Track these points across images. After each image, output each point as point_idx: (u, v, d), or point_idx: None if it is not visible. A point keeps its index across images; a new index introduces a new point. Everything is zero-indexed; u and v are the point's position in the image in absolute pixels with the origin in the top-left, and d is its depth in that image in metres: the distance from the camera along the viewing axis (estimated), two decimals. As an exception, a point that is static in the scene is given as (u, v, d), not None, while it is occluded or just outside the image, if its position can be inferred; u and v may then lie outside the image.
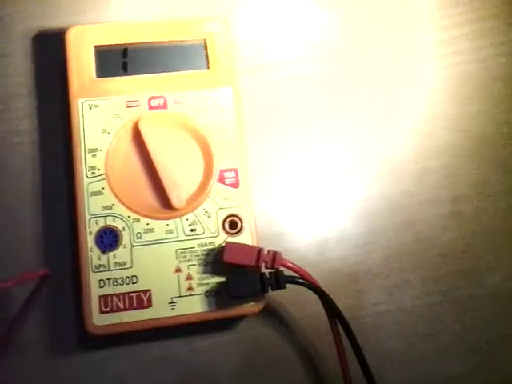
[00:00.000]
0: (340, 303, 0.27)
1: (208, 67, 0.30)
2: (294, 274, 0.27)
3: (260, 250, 0.26)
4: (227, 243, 0.27)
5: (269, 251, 0.27)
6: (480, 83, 0.34)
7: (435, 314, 0.31)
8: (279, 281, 0.26)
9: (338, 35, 0.33)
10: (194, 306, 0.27)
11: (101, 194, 0.28)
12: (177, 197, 0.28)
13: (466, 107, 0.33)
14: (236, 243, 0.27)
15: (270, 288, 0.26)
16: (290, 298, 0.29)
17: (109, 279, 0.27)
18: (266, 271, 0.27)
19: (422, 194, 0.32)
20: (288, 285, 0.26)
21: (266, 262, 0.26)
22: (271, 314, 0.29)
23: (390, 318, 0.30)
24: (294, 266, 0.27)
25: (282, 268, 0.27)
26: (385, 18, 0.34)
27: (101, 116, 0.28)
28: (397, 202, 0.32)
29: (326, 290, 0.27)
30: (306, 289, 0.27)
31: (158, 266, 0.27)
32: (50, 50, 0.31)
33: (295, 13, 0.33)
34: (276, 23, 0.33)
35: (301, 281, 0.27)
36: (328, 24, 0.34)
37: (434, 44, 0.34)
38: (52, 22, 0.31)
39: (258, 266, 0.26)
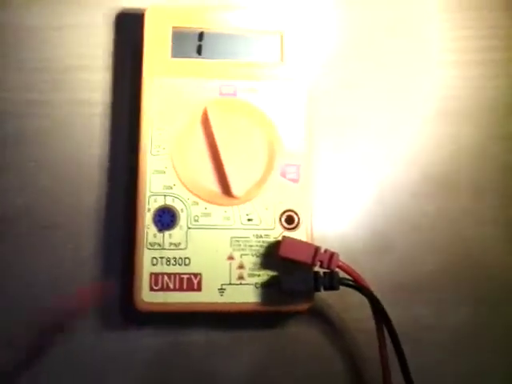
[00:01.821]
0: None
1: (282, 59, 0.30)
2: (347, 277, 0.26)
3: (317, 249, 0.26)
4: (284, 237, 0.27)
5: (326, 251, 0.26)
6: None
7: (481, 334, 0.30)
8: (333, 281, 0.26)
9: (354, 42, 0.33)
10: (244, 295, 0.27)
11: (163, 172, 0.28)
12: (237, 185, 0.28)
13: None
14: (294, 238, 0.27)
15: (322, 287, 0.26)
16: (338, 300, 0.28)
17: (162, 258, 0.27)
18: (321, 270, 0.26)
19: (479, 213, 0.31)
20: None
21: (321, 262, 0.26)
22: (318, 314, 0.29)
23: (434, 334, 0.30)
24: (348, 269, 0.26)
25: (336, 269, 0.26)
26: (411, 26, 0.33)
27: (172, 96, 0.29)
28: (452, 218, 0.31)
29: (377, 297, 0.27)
30: (352, 293, 0.26)
31: (212, 251, 0.27)
32: (128, 27, 0.31)
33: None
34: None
35: (354, 284, 0.26)
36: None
37: (455, 50, 0.33)
38: (131, 1, 0.32)
39: (313, 264, 0.26)
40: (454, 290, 0.30)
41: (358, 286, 0.26)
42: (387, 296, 0.28)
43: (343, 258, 0.27)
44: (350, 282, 0.26)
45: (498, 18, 0.34)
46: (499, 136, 0.32)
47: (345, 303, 0.29)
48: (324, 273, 0.26)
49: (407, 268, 0.30)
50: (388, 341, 0.26)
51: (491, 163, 0.32)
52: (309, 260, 0.26)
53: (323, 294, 0.27)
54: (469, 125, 0.32)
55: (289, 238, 0.27)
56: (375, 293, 0.27)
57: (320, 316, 0.29)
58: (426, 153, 0.32)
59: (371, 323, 0.27)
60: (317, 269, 0.27)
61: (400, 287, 0.30)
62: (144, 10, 0.29)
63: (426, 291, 0.30)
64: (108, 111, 0.30)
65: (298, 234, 0.28)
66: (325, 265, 0.26)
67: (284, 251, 0.26)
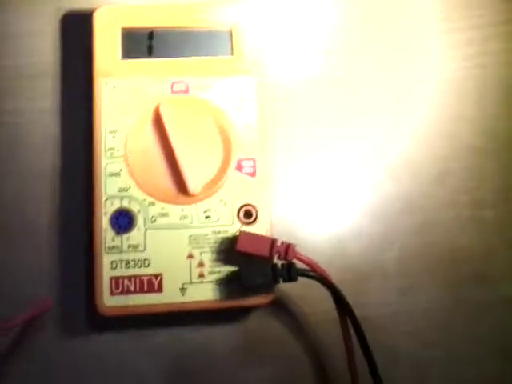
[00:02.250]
0: (351, 301, 0.27)
1: (232, 54, 0.29)
2: (306, 268, 0.26)
3: (274, 241, 0.26)
4: (241, 232, 0.27)
5: (282, 242, 0.26)
6: (508, 85, 0.33)
7: (448, 319, 0.30)
8: (291, 273, 0.26)
9: (352, 34, 0.33)
10: (205, 293, 0.27)
11: (118, 175, 0.28)
12: (193, 183, 0.28)
13: (492, 109, 0.32)
14: (250, 233, 0.27)
15: (281, 279, 0.26)
16: (300, 292, 0.28)
17: (121, 261, 0.27)
18: (279, 262, 0.26)
19: (442, 197, 0.31)
20: (300, 279, 0.26)
21: (279, 253, 0.26)
22: (280, 307, 0.29)
23: (401, 320, 0.30)
24: (306, 259, 0.26)
25: (294, 261, 0.26)
26: (402, 16, 0.33)
27: (123, 97, 0.28)
28: (415, 203, 0.31)
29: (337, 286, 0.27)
30: (317, 285, 0.26)
31: (171, 251, 0.27)
32: (76, 30, 0.30)
33: (313, 11, 0.33)
34: (298, 18, 0.33)
35: (313, 274, 0.26)
36: (343, 23, 0.33)
37: (461, 44, 0.33)
38: (78, 3, 0.31)
39: (270, 257, 0.26)
40: (421, 276, 0.30)
41: (317, 276, 0.26)
42: (350, 286, 0.28)
43: (303, 250, 0.27)
44: (309, 273, 0.26)
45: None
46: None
47: (308, 295, 0.28)
48: (282, 265, 0.26)
49: (371, 256, 0.30)
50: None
51: (452, 144, 0.32)
52: (266, 253, 0.26)
53: (285, 287, 0.27)
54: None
55: (245, 232, 0.27)
56: (341, 283, 0.27)
57: (282, 309, 0.29)
58: (381, 134, 0.32)
59: (335, 314, 0.27)
60: (276, 261, 0.26)
61: (365, 275, 0.30)
62: (92, 10, 0.29)
63: (393, 278, 0.30)
64: (61, 116, 0.30)
65: (257, 228, 0.28)
66: (282, 256, 0.26)
67: (241, 246, 0.26)
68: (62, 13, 0.31)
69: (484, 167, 0.32)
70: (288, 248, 0.26)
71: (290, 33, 0.32)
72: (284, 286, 0.27)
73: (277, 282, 0.26)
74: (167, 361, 0.28)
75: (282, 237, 0.27)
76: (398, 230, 0.31)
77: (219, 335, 0.28)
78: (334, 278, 0.27)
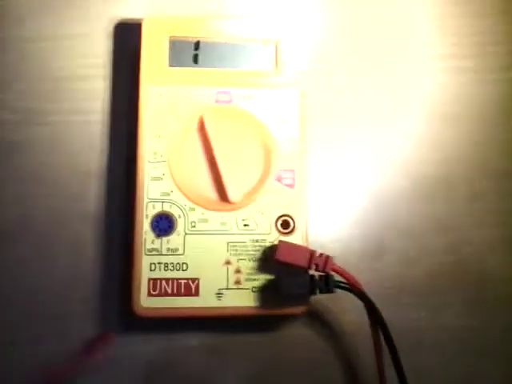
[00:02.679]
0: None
1: (276, 67, 0.30)
2: (342, 280, 0.27)
3: (313, 253, 0.27)
4: (281, 241, 0.27)
5: (321, 254, 0.27)
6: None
7: (473, 339, 0.30)
8: (329, 284, 0.26)
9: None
10: (241, 299, 0.27)
11: (161, 179, 0.28)
12: (234, 191, 0.28)
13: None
14: (289, 243, 0.27)
15: (318, 290, 0.26)
16: (333, 304, 0.29)
17: (160, 263, 0.27)
18: (316, 274, 0.27)
19: (472, 216, 0.32)
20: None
21: (317, 265, 0.27)
22: (314, 317, 0.29)
23: (429, 337, 0.30)
24: (343, 272, 0.27)
25: (331, 273, 0.27)
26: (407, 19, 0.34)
27: (169, 104, 0.29)
28: (446, 222, 0.32)
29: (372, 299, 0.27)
30: (348, 297, 0.27)
31: (209, 256, 0.28)
32: (126, 38, 0.31)
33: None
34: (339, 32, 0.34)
35: (349, 287, 0.27)
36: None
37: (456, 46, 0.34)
38: (131, 11, 0.32)
39: (309, 268, 0.27)
40: (451, 292, 0.31)
41: (353, 289, 0.27)
42: (384, 299, 0.29)
43: (338, 262, 0.27)
44: (345, 285, 0.27)
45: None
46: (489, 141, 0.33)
47: (341, 307, 0.29)
48: (319, 276, 0.27)
49: (402, 271, 0.31)
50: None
51: (483, 167, 0.33)
52: (305, 263, 0.26)
53: (320, 297, 0.27)
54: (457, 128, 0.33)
55: (285, 242, 0.27)
56: (371, 296, 0.27)
57: (316, 319, 0.29)
58: (421, 156, 0.32)
59: (367, 327, 0.27)
60: (312, 272, 0.27)
61: (396, 290, 0.30)
62: (141, 20, 0.30)
63: (423, 294, 0.30)
64: (107, 120, 0.31)
65: (294, 239, 0.28)
66: (320, 268, 0.26)
67: (280, 255, 0.26)
68: (114, 21, 0.32)
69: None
70: (327, 260, 0.26)
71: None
72: (318, 297, 0.27)
73: (314, 293, 0.26)
74: (197, 365, 0.28)
75: (315, 247, 0.27)
76: (427, 248, 0.31)
77: (250, 343, 0.29)
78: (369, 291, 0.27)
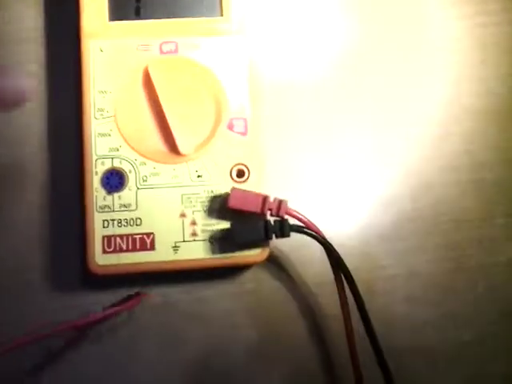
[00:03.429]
0: (348, 264, 0.27)
1: (221, 14, 0.29)
2: (299, 224, 0.26)
3: (265, 198, 0.26)
4: (233, 189, 0.27)
5: (274, 199, 0.26)
6: (508, 46, 0.33)
7: (447, 281, 0.30)
8: (284, 228, 0.26)
9: (358, 25, 0.32)
10: (198, 251, 0.27)
11: (108, 135, 0.27)
12: (184, 142, 0.27)
13: (491, 70, 0.32)
14: (242, 190, 0.27)
15: (274, 235, 0.26)
16: (295, 253, 0.28)
17: (113, 220, 0.27)
18: (271, 219, 0.26)
19: (441, 159, 0.31)
20: (294, 240, 0.26)
21: (271, 210, 0.26)
22: (275, 267, 0.29)
23: (399, 283, 0.30)
24: (299, 216, 0.26)
25: (287, 217, 0.26)
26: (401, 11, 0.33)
27: (111, 58, 0.28)
28: (414, 167, 0.31)
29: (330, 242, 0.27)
30: (312, 245, 0.26)
31: (163, 210, 0.27)
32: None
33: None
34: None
35: (306, 230, 0.26)
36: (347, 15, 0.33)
37: (460, 3, 0.33)
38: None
39: (262, 214, 0.26)
40: (420, 238, 0.30)
41: (311, 232, 0.26)
42: (346, 249, 0.28)
43: (299, 210, 0.27)
44: (302, 229, 0.26)
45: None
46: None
47: (304, 254, 0.29)
48: (275, 221, 0.26)
49: (368, 219, 0.30)
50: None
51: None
52: (258, 209, 0.26)
53: (282, 247, 0.27)
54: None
55: (237, 189, 0.27)
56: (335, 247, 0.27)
57: (278, 267, 0.29)
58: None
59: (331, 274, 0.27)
60: (268, 218, 0.26)
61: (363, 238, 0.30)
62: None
63: (391, 240, 0.30)
64: (49, 79, 0.30)
65: (249, 187, 0.28)
66: (274, 213, 0.26)
67: (233, 202, 0.26)
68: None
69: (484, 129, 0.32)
70: (280, 204, 0.26)
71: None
72: (280, 245, 0.27)
73: (269, 238, 0.26)
74: (159, 323, 0.28)
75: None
76: (395, 193, 0.31)
77: (214, 295, 0.28)
78: (329, 239, 0.27)
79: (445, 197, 0.31)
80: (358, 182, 0.31)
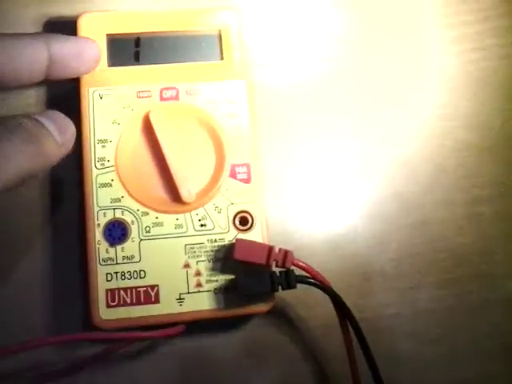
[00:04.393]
0: (351, 303, 0.26)
1: (222, 59, 0.29)
2: (305, 274, 0.26)
3: (271, 249, 0.26)
4: (238, 240, 0.26)
5: (280, 250, 0.26)
6: (501, 81, 0.33)
7: (448, 318, 0.30)
8: (290, 280, 0.26)
9: (352, 34, 0.33)
10: (203, 302, 0.27)
11: (110, 185, 0.27)
12: (187, 191, 0.27)
13: (486, 105, 0.33)
14: (247, 240, 0.26)
15: (280, 287, 0.26)
16: (300, 297, 0.28)
17: (116, 273, 0.26)
18: (277, 270, 0.26)
19: (437, 194, 0.31)
20: (299, 284, 0.26)
21: (276, 261, 0.26)
22: (280, 313, 0.28)
23: (401, 321, 0.30)
24: (305, 266, 0.26)
25: (293, 267, 0.26)
26: (396, 17, 0.33)
27: (111, 106, 0.28)
28: (410, 202, 0.31)
29: (336, 289, 0.26)
30: (316, 289, 0.26)
31: (167, 261, 0.27)
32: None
33: (309, 10, 0.33)
34: (290, 19, 0.32)
35: (312, 281, 0.26)
36: (343, 23, 0.33)
37: (453, 40, 0.33)
38: (62, 9, 0.31)
39: (268, 265, 0.26)
40: (419, 276, 0.30)
41: (317, 282, 0.26)
42: (349, 288, 0.28)
43: (303, 252, 0.26)
44: (308, 279, 0.26)
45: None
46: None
47: (308, 301, 0.28)
48: (280, 272, 0.26)
49: (367, 258, 0.30)
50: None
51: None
52: (263, 261, 0.26)
53: (286, 293, 0.27)
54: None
55: (242, 240, 0.26)
56: (336, 286, 0.26)
57: (282, 314, 0.29)
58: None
59: (335, 318, 0.27)
60: (274, 268, 0.26)
61: (362, 278, 0.30)
62: (76, 17, 0.28)
63: (390, 279, 0.30)
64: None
65: (254, 235, 0.27)
66: (280, 264, 0.26)
67: (238, 254, 0.26)
68: (44, 19, 0.30)
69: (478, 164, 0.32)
70: (286, 255, 0.26)
71: (282, 36, 0.32)
72: (283, 292, 0.27)
73: (276, 290, 0.26)
74: (167, 371, 0.28)
75: (278, 241, 0.27)
76: (393, 230, 0.31)
77: (219, 344, 0.28)
78: (332, 280, 0.27)
79: (442, 233, 0.31)
80: (355, 221, 0.30)
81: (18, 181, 0.21)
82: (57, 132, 0.23)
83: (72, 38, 0.27)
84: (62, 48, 0.25)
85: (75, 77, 0.27)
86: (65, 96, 0.29)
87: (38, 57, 0.25)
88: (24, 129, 0.22)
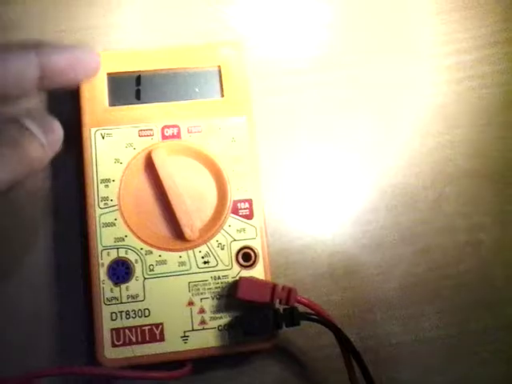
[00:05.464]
0: (353, 334, 0.27)
1: (222, 95, 0.29)
2: (308, 310, 0.26)
3: (274, 287, 0.26)
4: (241, 279, 0.26)
5: (283, 287, 0.26)
6: (499, 108, 0.33)
7: (451, 347, 0.30)
8: (293, 318, 0.26)
9: (349, 46, 0.33)
10: (207, 340, 0.27)
11: (113, 225, 0.27)
12: (190, 228, 0.27)
13: (485, 133, 0.33)
14: (250, 279, 0.27)
15: (284, 324, 0.26)
16: (303, 331, 0.28)
17: (121, 312, 0.27)
18: (281, 307, 0.26)
19: (437, 222, 0.31)
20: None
21: (280, 299, 0.26)
22: (284, 348, 0.29)
23: (404, 350, 0.30)
24: (308, 303, 0.26)
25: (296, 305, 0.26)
26: (394, 47, 0.34)
27: (113, 145, 0.28)
28: (412, 231, 0.31)
29: (340, 319, 0.27)
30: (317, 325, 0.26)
31: (171, 299, 0.27)
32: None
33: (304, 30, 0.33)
34: (287, 41, 0.33)
35: (315, 317, 0.26)
36: (336, 36, 0.33)
37: (450, 67, 0.33)
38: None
39: (272, 303, 0.26)
40: (423, 304, 0.30)
41: (320, 319, 0.26)
42: (352, 319, 0.28)
43: (307, 282, 0.26)
44: (311, 316, 0.26)
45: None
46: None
47: (312, 335, 0.29)
48: (284, 310, 0.26)
49: (370, 288, 0.30)
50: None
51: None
52: (267, 299, 0.26)
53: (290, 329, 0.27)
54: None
55: (246, 278, 0.26)
56: (337, 317, 0.27)
57: (287, 350, 0.29)
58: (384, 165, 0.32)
59: (338, 351, 0.27)
60: (277, 306, 0.26)
61: (366, 308, 0.30)
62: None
63: (395, 307, 0.30)
64: (50, 167, 0.29)
65: (257, 271, 0.28)
66: (283, 302, 0.26)
67: (241, 294, 0.26)
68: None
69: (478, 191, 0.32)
70: (289, 293, 0.26)
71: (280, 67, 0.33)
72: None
73: (279, 327, 0.26)
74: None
75: (280, 273, 0.27)
76: (395, 259, 0.31)
77: (223, 381, 0.28)
78: (335, 311, 0.27)
79: (443, 260, 0.31)
80: (358, 252, 0.31)
81: (2, 189, 0.20)
82: (41, 133, 0.22)
83: (68, 47, 0.25)
84: (56, 58, 0.23)
85: (74, 86, 0.26)
86: (66, 136, 0.29)
87: (27, 69, 0.23)
88: (5, 134, 0.21)
